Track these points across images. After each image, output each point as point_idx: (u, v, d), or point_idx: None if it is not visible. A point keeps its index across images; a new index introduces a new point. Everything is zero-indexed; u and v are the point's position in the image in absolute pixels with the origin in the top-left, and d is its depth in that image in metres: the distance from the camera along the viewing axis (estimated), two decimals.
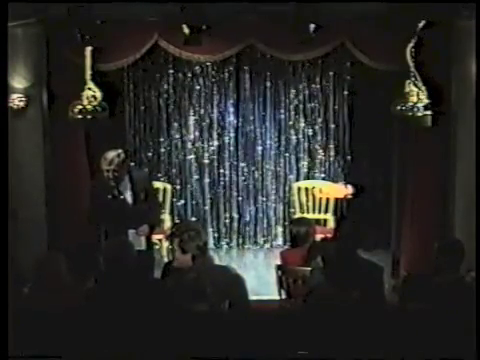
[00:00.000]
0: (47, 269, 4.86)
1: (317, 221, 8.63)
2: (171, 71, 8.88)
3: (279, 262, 6.73)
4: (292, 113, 9.06)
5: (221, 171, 9.22)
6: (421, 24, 7.37)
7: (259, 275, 8.14)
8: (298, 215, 8.86)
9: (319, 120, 9.05)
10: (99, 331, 4.23)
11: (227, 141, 9.14)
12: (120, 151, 6.67)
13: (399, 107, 7.69)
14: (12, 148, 6.91)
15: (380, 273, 5.33)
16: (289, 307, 6.13)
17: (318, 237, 6.91)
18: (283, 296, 6.38)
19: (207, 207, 9.25)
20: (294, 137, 9.12)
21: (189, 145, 9.13)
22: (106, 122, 8.06)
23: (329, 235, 7.72)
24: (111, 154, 6.61)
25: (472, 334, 4.08)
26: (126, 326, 4.21)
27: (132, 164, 8.92)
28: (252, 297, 4.83)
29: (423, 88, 7.59)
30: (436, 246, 5.01)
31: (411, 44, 7.49)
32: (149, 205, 6.76)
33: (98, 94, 7.87)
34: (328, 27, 7.50)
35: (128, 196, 6.69)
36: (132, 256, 4.84)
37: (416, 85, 7.59)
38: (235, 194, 9.27)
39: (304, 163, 9.16)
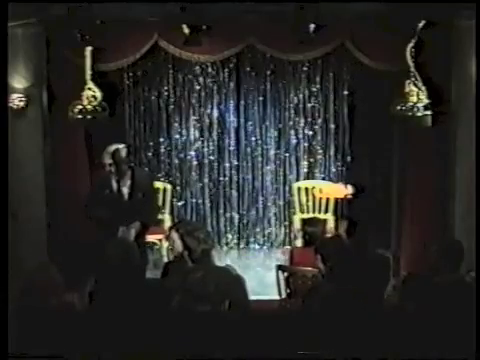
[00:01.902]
0: (40, 281, 4.84)
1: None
2: (171, 71, 8.88)
3: (280, 262, 6.75)
4: (292, 113, 9.06)
5: (221, 171, 9.22)
6: (421, 24, 7.38)
7: (259, 275, 8.15)
8: (298, 215, 8.87)
9: (319, 120, 9.05)
10: (100, 331, 4.23)
11: (227, 141, 9.14)
12: (122, 145, 6.73)
13: (399, 107, 7.70)
14: (12, 148, 6.91)
15: (387, 265, 5.41)
16: (289, 307, 6.14)
17: None
18: (283, 296, 6.39)
19: (207, 207, 9.26)
20: (294, 137, 9.12)
21: (189, 145, 9.13)
22: (106, 122, 8.06)
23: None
24: (112, 148, 6.67)
25: (472, 334, 4.08)
26: (126, 326, 4.21)
27: (132, 164, 8.99)
28: (252, 297, 4.84)
29: (423, 88, 7.59)
30: (435, 247, 5.01)
31: (411, 44, 7.49)
32: (145, 204, 6.76)
33: (98, 94, 7.87)
34: (328, 27, 7.50)
35: (126, 193, 6.71)
36: (136, 257, 4.86)
37: (416, 85, 7.59)
38: (235, 194, 9.27)
39: (304, 163, 9.16)
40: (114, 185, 6.68)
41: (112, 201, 6.66)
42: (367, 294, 4.34)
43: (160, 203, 8.80)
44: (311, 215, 8.76)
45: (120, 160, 6.65)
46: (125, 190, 6.72)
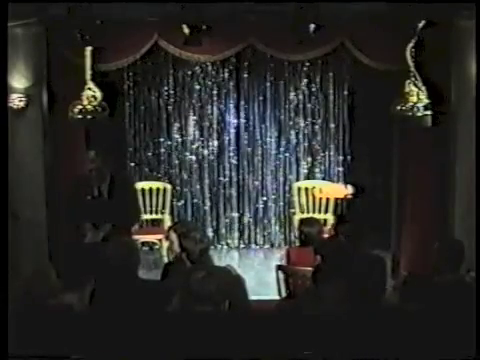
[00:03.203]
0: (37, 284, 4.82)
1: None
2: (171, 71, 8.88)
3: (279, 262, 6.74)
4: (292, 113, 9.06)
5: (221, 171, 9.22)
6: (421, 24, 7.37)
7: (259, 275, 8.14)
8: (298, 215, 8.87)
9: (319, 120, 9.05)
10: (100, 332, 4.23)
11: (227, 141, 9.14)
12: (101, 150, 6.77)
13: (399, 107, 7.69)
14: (12, 148, 6.91)
15: (382, 265, 5.42)
16: (289, 307, 6.13)
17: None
18: (283, 296, 6.38)
19: (207, 207, 9.25)
20: (294, 137, 9.12)
21: (189, 145, 9.13)
22: (106, 122, 8.06)
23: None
24: (93, 153, 6.70)
25: (472, 334, 4.08)
26: (126, 327, 4.21)
27: (132, 164, 9.01)
28: (252, 297, 4.83)
29: (423, 88, 7.58)
30: (436, 246, 5.02)
31: (411, 44, 7.48)
32: (125, 206, 6.75)
33: (98, 94, 7.87)
34: (328, 27, 7.49)
35: (105, 195, 6.74)
36: (137, 257, 4.88)
37: (416, 85, 7.59)
38: (235, 194, 9.27)
39: (304, 163, 9.17)
40: (95, 191, 6.71)
41: (94, 206, 6.68)
42: (363, 294, 4.34)
43: (160, 203, 8.83)
44: (311, 215, 8.74)
45: (100, 165, 6.67)
46: (104, 194, 6.74)
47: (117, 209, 6.66)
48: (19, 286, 4.77)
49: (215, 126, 9.10)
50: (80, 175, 7.09)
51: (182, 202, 9.24)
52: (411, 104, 7.62)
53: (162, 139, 9.08)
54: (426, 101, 7.59)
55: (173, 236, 5.36)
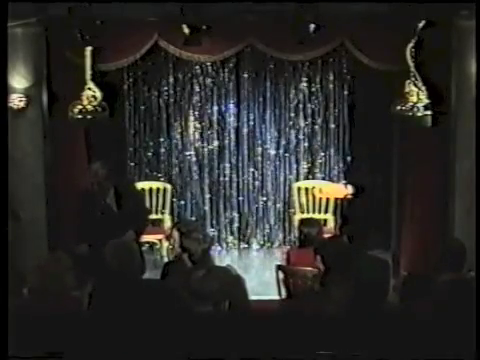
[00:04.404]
0: (51, 270, 4.82)
1: None
2: (171, 71, 8.88)
3: (279, 262, 6.74)
4: (292, 113, 9.06)
5: (221, 171, 9.21)
6: (421, 24, 7.38)
7: (259, 275, 8.15)
8: (298, 215, 8.87)
9: (319, 120, 9.05)
10: (101, 332, 4.23)
11: (227, 141, 9.14)
12: (104, 162, 6.78)
13: (399, 107, 7.69)
14: (12, 148, 6.90)
15: (386, 267, 5.42)
16: (289, 307, 6.13)
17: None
18: (283, 296, 6.39)
19: (207, 207, 9.25)
20: (294, 137, 9.12)
21: (189, 145, 9.13)
22: (106, 122, 8.06)
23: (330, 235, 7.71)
24: (95, 166, 6.73)
25: (472, 334, 4.07)
26: (127, 327, 4.21)
27: (132, 164, 9.01)
28: (252, 297, 4.83)
29: (423, 88, 7.59)
30: (437, 247, 5.02)
31: (411, 44, 7.49)
32: (135, 211, 6.75)
33: (98, 94, 7.87)
34: (328, 27, 7.50)
35: (113, 206, 6.72)
36: (137, 258, 4.88)
37: (416, 85, 7.59)
38: (235, 194, 9.27)
39: (304, 163, 9.16)
40: (102, 204, 6.71)
41: (104, 219, 6.67)
42: (366, 296, 4.35)
43: (160, 203, 8.84)
44: (311, 215, 8.74)
45: (102, 177, 6.67)
46: (113, 203, 6.73)
47: (128, 217, 6.66)
48: (36, 269, 4.76)
49: (215, 126, 9.10)
50: (84, 192, 7.05)
51: (182, 202, 9.23)
52: (411, 104, 7.62)
53: (162, 139, 9.08)
54: (426, 101, 7.59)
55: (176, 234, 5.37)
